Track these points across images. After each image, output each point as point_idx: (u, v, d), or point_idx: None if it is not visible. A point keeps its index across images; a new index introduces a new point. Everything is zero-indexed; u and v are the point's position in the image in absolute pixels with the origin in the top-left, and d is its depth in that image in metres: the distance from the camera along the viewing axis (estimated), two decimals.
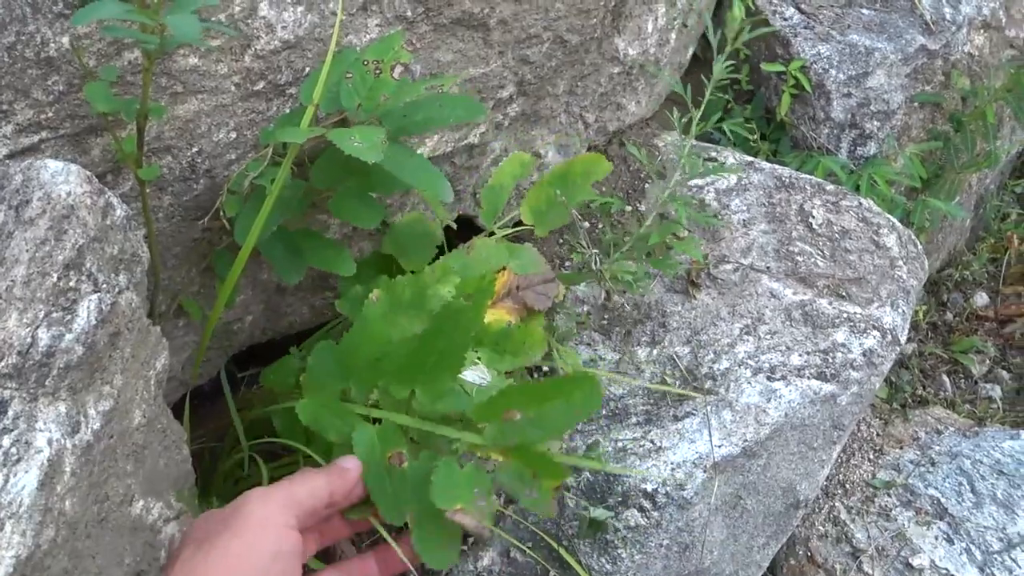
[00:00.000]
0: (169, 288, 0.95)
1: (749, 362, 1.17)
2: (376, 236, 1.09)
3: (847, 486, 1.52)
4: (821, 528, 1.47)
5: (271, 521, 0.69)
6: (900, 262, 1.34)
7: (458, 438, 0.85)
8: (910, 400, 1.72)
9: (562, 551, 1.01)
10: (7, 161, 0.80)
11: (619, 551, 1.03)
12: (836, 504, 1.49)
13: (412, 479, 0.82)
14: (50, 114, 0.80)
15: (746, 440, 1.10)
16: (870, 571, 1.41)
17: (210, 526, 0.69)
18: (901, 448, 1.57)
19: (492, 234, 1.05)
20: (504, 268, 0.99)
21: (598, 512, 1.02)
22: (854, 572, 1.42)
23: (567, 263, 1.23)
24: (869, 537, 1.44)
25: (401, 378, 0.86)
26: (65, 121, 0.81)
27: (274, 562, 0.67)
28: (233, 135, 0.88)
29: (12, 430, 0.64)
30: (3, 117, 0.79)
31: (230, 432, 1.04)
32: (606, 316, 1.20)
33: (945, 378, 1.94)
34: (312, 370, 0.90)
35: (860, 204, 1.40)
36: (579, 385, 0.82)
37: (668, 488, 1.04)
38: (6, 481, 0.62)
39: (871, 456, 1.56)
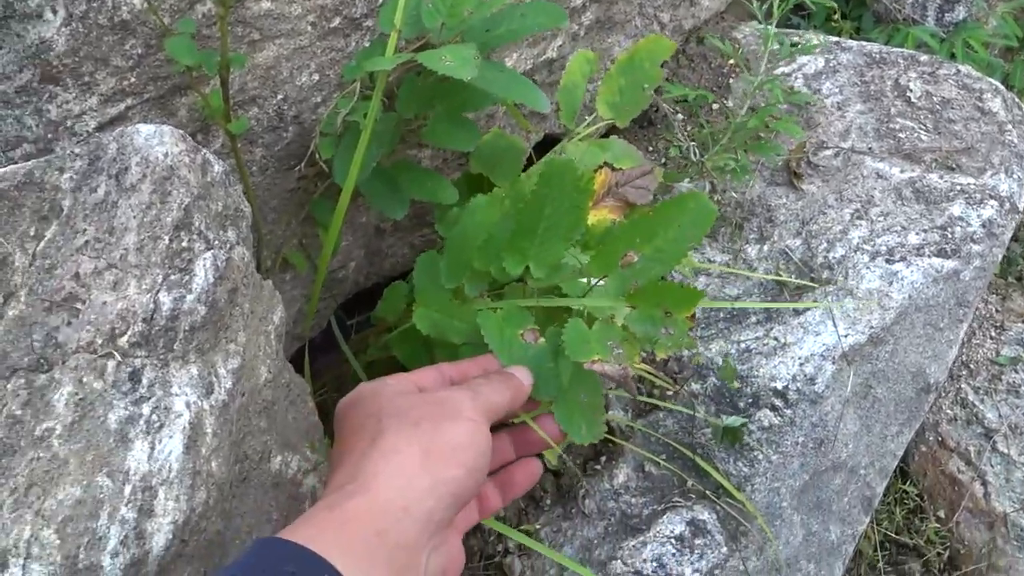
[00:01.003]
0: (271, 243, 0.94)
1: (865, 247, 1.12)
2: (466, 166, 1.07)
3: (971, 366, 1.46)
4: (949, 412, 1.43)
5: (479, 420, 0.68)
6: (1009, 126, 1.27)
7: (580, 307, 0.82)
8: None
9: (698, 460, 0.99)
10: (97, 134, 0.80)
11: (755, 453, 1.00)
12: (962, 386, 1.45)
13: (548, 353, 0.80)
14: (132, 79, 0.79)
15: (872, 327, 1.06)
16: (1005, 450, 1.37)
17: (421, 409, 0.68)
18: (1023, 322, 1.51)
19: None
20: (600, 168, 0.96)
21: (731, 420, 0.99)
22: (989, 452, 1.38)
23: (665, 161, 1.19)
24: (1000, 416, 1.40)
25: (513, 253, 0.82)
26: (148, 85, 0.80)
27: (485, 451, 0.66)
28: (316, 77, 0.87)
29: (149, 398, 0.63)
30: (87, 89, 0.78)
31: (350, 378, 1.04)
32: None
33: None
34: (420, 280, 0.88)
35: (958, 71, 1.33)
36: (686, 206, 0.79)
37: (798, 384, 1.01)
38: (152, 448, 0.62)
39: (992, 333, 1.51)
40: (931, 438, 1.42)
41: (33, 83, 0.76)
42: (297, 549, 0.54)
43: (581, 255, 0.86)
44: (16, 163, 0.71)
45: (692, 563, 0.97)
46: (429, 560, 0.61)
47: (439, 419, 0.67)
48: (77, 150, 0.71)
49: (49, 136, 0.78)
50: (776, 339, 1.04)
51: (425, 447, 0.64)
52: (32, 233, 0.67)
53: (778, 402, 1.01)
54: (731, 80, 1.33)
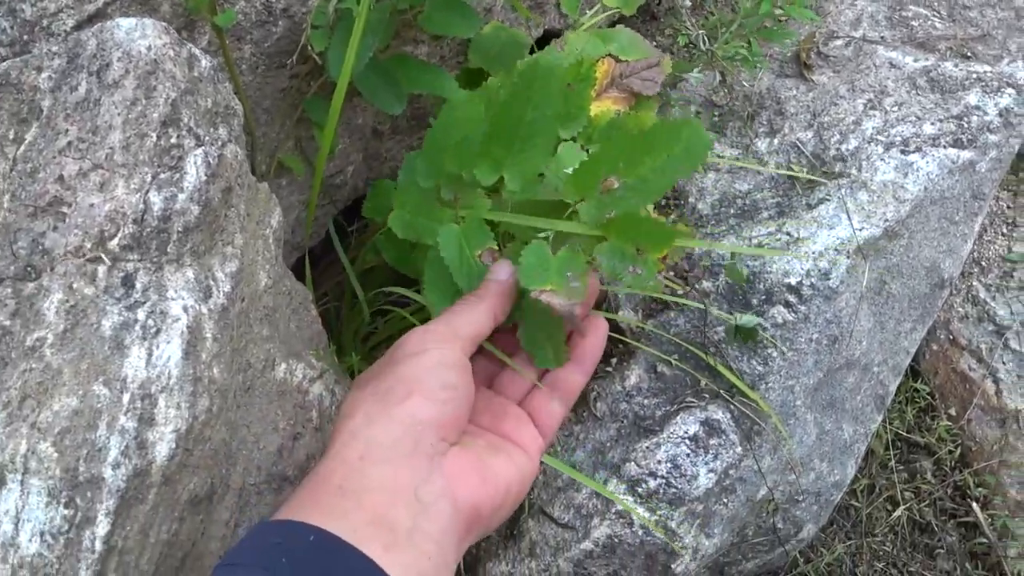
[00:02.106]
0: (265, 147, 0.90)
1: (879, 138, 1.09)
2: (465, 63, 1.02)
3: (983, 263, 1.44)
4: (961, 309, 1.41)
5: (431, 348, 0.64)
6: None
7: (550, 228, 0.76)
8: None
9: (710, 359, 0.97)
10: (75, 33, 0.75)
11: (769, 351, 0.98)
12: (973, 283, 1.42)
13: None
14: None
15: (887, 220, 1.03)
16: (1017, 347, 1.35)
17: (371, 369, 0.65)
18: None
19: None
20: (603, 58, 0.91)
21: (745, 319, 0.96)
22: (1000, 350, 1.36)
23: (672, 51, 1.14)
24: (1012, 313, 1.38)
25: (486, 160, 0.76)
26: None
27: (439, 371, 0.63)
28: None
29: (144, 303, 0.60)
30: None
31: (349, 287, 1.01)
32: (716, 112, 1.12)
33: None
34: (402, 180, 0.83)
35: None
36: (679, 133, 0.73)
37: (812, 279, 0.99)
38: (150, 355, 0.59)
39: (1004, 230, 1.48)
40: (942, 336, 1.40)
41: None
42: (278, 524, 0.54)
43: (562, 168, 0.80)
44: None
45: (707, 463, 0.95)
46: (420, 492, 0.58)
47: (384, 368, 0.64)
48: (55, 48, 0.67)
49: (24, 38, 0.74)
50: (789, 234, 1.01)
51: (371, 399, 0.61)
52: (11, 136, 0.63)
53: (792, 298, 0.99)
54: None
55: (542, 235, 0.75)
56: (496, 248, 0.76)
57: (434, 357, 0.63)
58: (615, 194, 0.73)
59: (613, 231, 0.75)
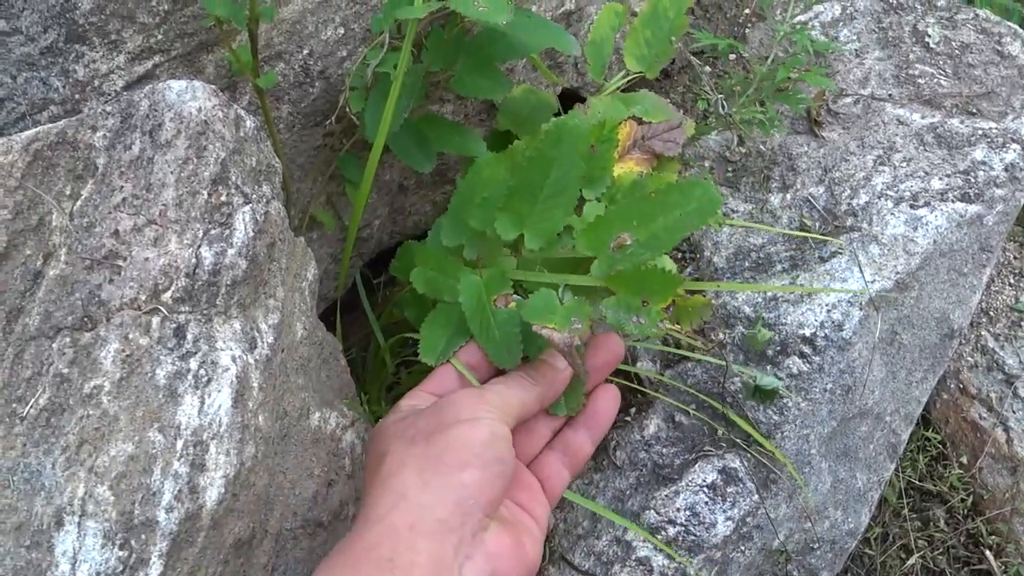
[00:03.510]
0: (298, 201, 0.94)
1: (889, 192, 1.12)
2: (487, 122, 1.06)
3: (991, 313, 1.46)
4: (970, 359, 1.43)
5: (484, 416, 0.65)
6: None
7: (562, 281, 0.78)
8: None
9: (728, 411, 1.00)
10: (125, 93, 0.79)
11: (785, 401, 1.00)
12: (982, 333, 1.45)
13: (515, 319, 0.77)
14: (159, 36, 0.78)
15: (898, 272, 1.06)
16: None
17: (417, 425, 0.66)
18: None
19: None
20: (625, 121, 0.95)
21: (766, 380, 0.99)
22: (1010, 399, 1.38)
23: (686, 111, 1.18)
24: (1021, 361, 1.40)
25: (508, 215, 0.78)
26: (175, 41, 0.79)
27: (494, 443, 0.64)
28: (341, 31, 0.86)
29: (195, 352, 0.63)
30: (114, 48, 0.77)
31: (375, 339, 1.04)
32: (730, 168, 1.16)
33: None
34: (430, 241, 0.86)
35: (976, 15, 1.32)
36: (692, 193, 0.75)
37: (826, 331, 1.01)
38: (202, 403, 0.62)
39: (1011, 280, 1.51)
40: (952, 385, 1.42)
41: (59, 43, 0.76)
42: None
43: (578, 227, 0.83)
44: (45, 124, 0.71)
45: (725, 511, 0.97)
46: (464, 570, 0.59)
47: (434, 430, 0.65)
48: (109, 108, 0.70)
49: (76, 97, 0.78)
50: (803, 286, 1.04)
51: (421, 461, 0.62)
52: (68, 192, 0.66)
53: (806, 349, 1.01)
54: (747, 30, 1.31)
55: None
56: (511, 293, 0.79)
57: (487, 428, 0.64)
58: (627, 251, 0.76)
59: (621, 284, 0.78)
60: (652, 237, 0.75)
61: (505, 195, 0.78)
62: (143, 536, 0.57)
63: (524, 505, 0.71)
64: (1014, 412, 1.36)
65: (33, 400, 0.59)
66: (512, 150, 0.89)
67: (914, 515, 1.35)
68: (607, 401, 0.79)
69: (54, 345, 0.61)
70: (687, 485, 0.98)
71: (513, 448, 0.67)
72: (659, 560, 0.96)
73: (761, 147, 1.15)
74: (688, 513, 0.97)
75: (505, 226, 0.79)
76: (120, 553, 0.56)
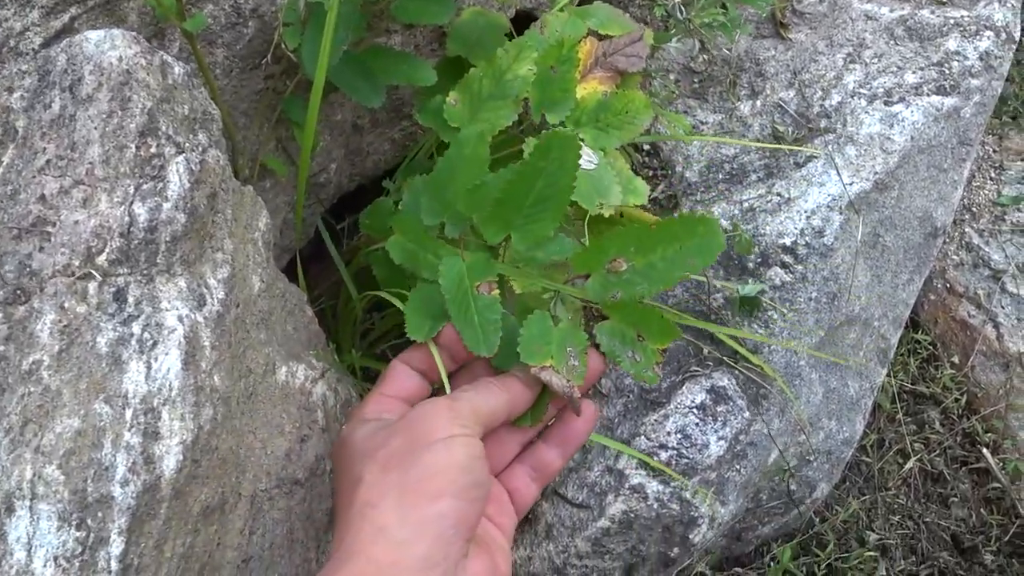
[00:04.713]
0: (245, 150, 0.89)
1: (862, 91, 1.08)
2: (439, 52, 1.01)
3: (974, 209, 1.44)
4: (955, 257, 1.40)
5: (457, 433, 0.64)
6: None
7: (555, 289, 0.78)
8: (1020, 110, 1.61)
9: (712, 327, 0.97)
10: (44, 50, 0.74)
11: (769, 313, 0.98)
12: (966, 230, 1.42)
13: (495, 307, 0.76)
14: None
15: (876, 172, 1.03)
16: (1014, 289, 1.35)
17: (390, 445, 0.64)
18: (1022, 160, 1.48)
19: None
20: (584, 38, 0.91)
21: (748, 288, 0.96)
22: (998, 294, 1.36)
23: (647, 23, 1.13)
24: (1007, 256, 1.37)
25: (494, 220, 0.77)
26: None
27: (471, 467, 0.63)
28: None
29: (137, 316, 0.60)
30: (27, 3, 0.72)
31: (344, 287, 1.00)
32: (696, 79, 1.12)
33: None
34: (406, 207, 0.84)
35: None
36: (695, 229, 0.74)
37: (807, 238, 0.98)
38: (149, 368, 0.58)
39: (992, 174, 1.48)
40: (939, 285, 1.40)
41: None
42: None
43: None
44: None
45: (716, 431, 0.95)
46: None
47: (409, 451, 0.63)
48: (24, 67, 0.66)
49: None
50: (779, 194, 1.01)
51: (398, 490, 0.60)
52: None
53: (788, 259, 0.98)
54: None
55: (545, 295, 0.76)
56: (496, 282, 0.77)
57: (463, 450, 0.63)
58: (623, 275, 0.74)
59: (617, 312, 0.76)
60: (650, 267, 0.75)
61: (493, 204, 0.76)
62: (99, 514, 0.54)
63: (493, 518, 0.72)
64: (1003, 308, 1.34)
65: None
66: (467, 81, 0.85)
67: (909, 419, 1.34)
68: (583, 420, 0.79)
69: None
70: (676, 408, 0.96)
71: (488, 465, 0.66)
72: (654, 486, 0.94)
73: (727, 54, 1.11)
74: (679, 436, 0.95)
75: (491, 231, 0.78)
76: (77, 534, 0.53)
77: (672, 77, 1.11)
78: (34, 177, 0.61)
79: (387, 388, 0.74)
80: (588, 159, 0.85)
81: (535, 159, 0.73)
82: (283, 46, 0.78)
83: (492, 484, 0.72)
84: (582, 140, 0.84)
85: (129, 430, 0.56)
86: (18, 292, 0.58)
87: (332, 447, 0.72)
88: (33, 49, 0.74)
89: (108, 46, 0.65)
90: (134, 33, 0.67)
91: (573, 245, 0.78)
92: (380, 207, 0.94)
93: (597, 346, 0.80)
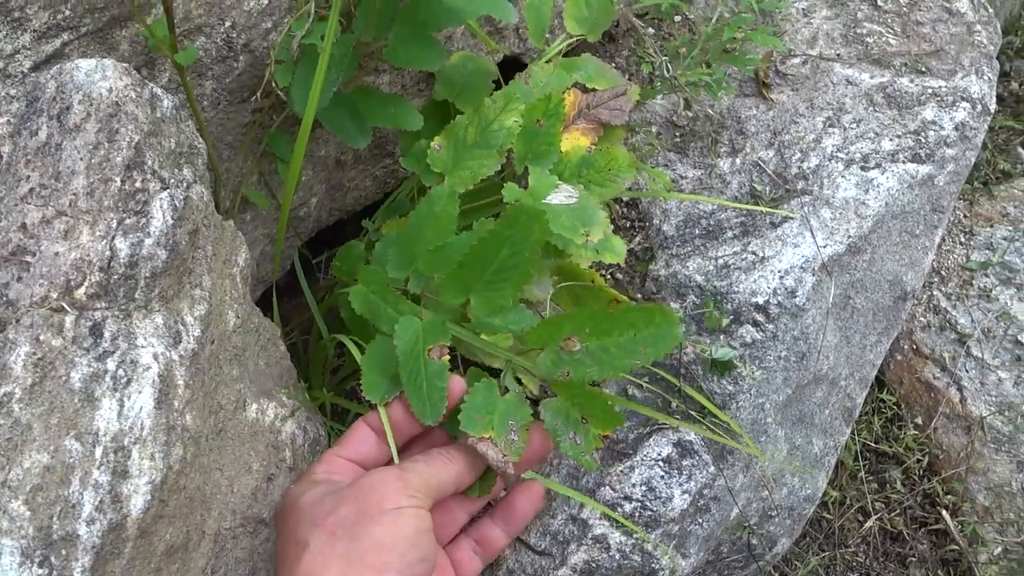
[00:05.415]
0: (228, 182, 0.89)
1: (839, 155, 1.10)
2: (426, 92, 1.02)
3: (942, 273, 1.46)
4: (923, 319, 1.42)
5: (406, 505, 0.64)
6: (977, 27, 1.25)
7: (507, 358, 0.79)
8: (991, 176, 1.64)
9: (682, 384, 0.97)
10: (33, 74, 0.74)
11: (739, 370, 0.98)
12: (934, 292, 1.44)
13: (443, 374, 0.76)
14: (67, 12, 0.73)
15: (850, 236, 1.04)
16: (979, 354, 1.37)
17: (339, 512, 0.64)
18: (992, 226, 1.51)
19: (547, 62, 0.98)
20: (569, 89, 0.92)
21: (721, 351, 0.97)
22: (963, 358, 1.38)
23: (631, 75, 1.15)
24: (973, 321, 1.40)
25: (455, 282, 0.78)
26: (85, 17, 0.74)
27: (418, 541, 0.63)
28: (265, 1, 0.81)
29: (113, 352, 0.59)
30: (18, 26, 0.72)
31: (316, 323, 1.00)
32: (678, 133, 1.13)
33: (1021, 150, 1.85)
34: (375, 258, 0.85)
35: None
36: (652, 318, 0.75)
37: (779, 297, 0.99)
38: (121, 406, 0.58)
39: (962, 239, 1.50)
40: (906, 346, 1.41)
41: None
42: None
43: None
44: None
45: (681, 484, 0.95)
46: None
47: (357, 521, 0.63)
48: (12, 92, 0.66)
49: None
50: (754, 253, 1.02)
51: (344, 560, 0.61)
52: None
53: (759, 317, 0.99)
54: None
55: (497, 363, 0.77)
56: (448, 346, 0.77)
57: (411, 522, 0.63)
58: (575, 355, 0.75)
59: (564, 391, 0.77)
60: (602, 350, 0.76)
61: (456, 267, 0.77)
62: (63, 552, 0.53)
63: None
64: (967, 371, 1.36)
65: None
66: (453, 128, 0.86)
67: (871, 477, 1.35)
68: (528, 500, 0.79)
69: None
70: (642, 460, 0.96)
71: (434, 539, 0.66)
72: (616, 537, 0.94)
73: (709, 111, 1.13)
74: (644, 488, 0.95)
75: (451, 292, 0.79)
76: (40, 571, 0.53)
77: (654, 130, 1.12)
78: (16, 205, 0.61)
79: (343, 450, 0.74)
80: (569, 195, 0.86)
81: (502, 227, 0.74)
82: (273, 83, 0.78)
83: (438, 555, 0.73)
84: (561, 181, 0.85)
85: (98, 468, 0.55)
86: None
87: (277, 507, 0.71)
88: (22, 72, 0.73)
89: (99, 76, 0.65)
90: (125, 65, 0.67)
91: (531, 317, 0.79)
92: (351, 251, 0.95)
93: None
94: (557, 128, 0.80)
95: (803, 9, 1.25)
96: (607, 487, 0.96)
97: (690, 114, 1.10)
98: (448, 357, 0.77)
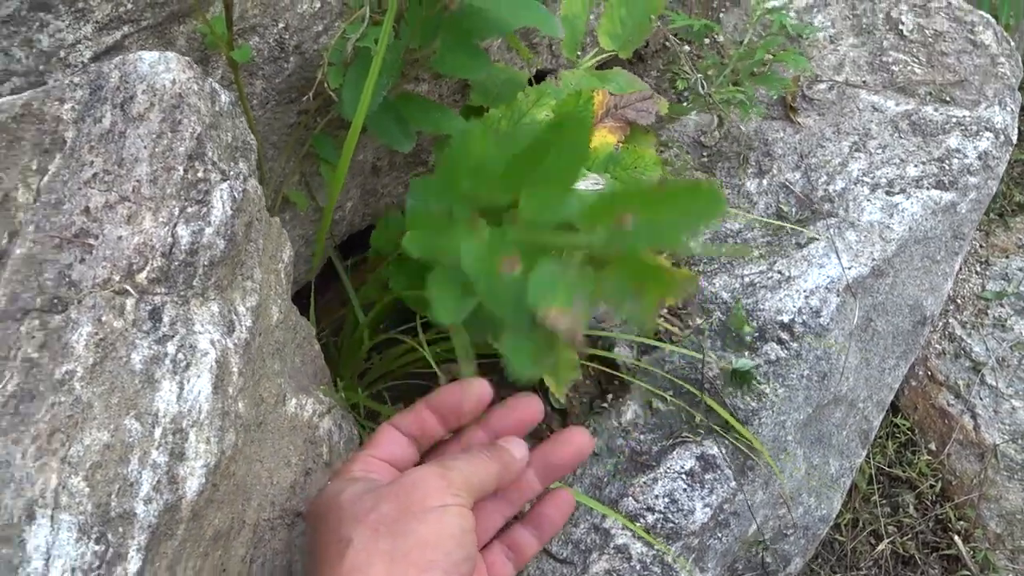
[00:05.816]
0: (271, 181, 0.91)
1: (865, 179, 1.12)
2: (460, 103, 1.04)
3: (958, 301, 1.48)
4: (938, 346, 1.44)
5: (451, 503, 0.64)
6: (1001, 59, 1.27)
7: (561, 244, 0.78)
8: (1007, 208, 1.66)
9: (705, 397, 0.99)
10: (93, 64, 0.76)
11: (762, 387, 1.00)
12: (950, 320, 1.46)
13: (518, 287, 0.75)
14: (129, 5, 0.75)
15: (874, 258, 1.06)
16: (993, 382, 1.38)
17: (380, 509, 0.64)
18: (1007, 257, 1.52)
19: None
20: (599, 90, 0.93)
21: (741, 363, 0.98)
22: (978, 386, 1.39)
23: (661, 94, 1.17)
24: (987, 349, 1.41)
25: (501, 188, 0.75)
26: (146, 11, 0.75)
27: (463, 540, 0.63)
28: (317, 4, 0.83)
29: (172, 336, 0.60)
30: (81, 17, 0.74)
31: (348, 322, 1.02)
32: (705, 153, 1.15)
33: None
34: (411, 206, 0.84)
35: (949, 4, 1.32)
36: (700, 193, 0.75)
37: (804, 317, 1.01)
38: (181, 389, 0.59)
39: (978, 268, 1.52)
40: (921, 372, 1.43)
41: (22, 11, 0.72)
42: None
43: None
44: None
45: (703, 497, 0.96)
46: None
47: (399, 518, 0.63)
48: (77, 79, 0.67)
49: (40, 68, 0.74)
50: (780, 272, 1.03)
51: (389, 558, 0.60)
52: (34, 167, 0.63)
53: (784, 335, 1.01)
54: (722, 14, 1.30)
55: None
56: (516, 256, 0.76)
57: (456, 521, 0.63)
58: (627, 231, 0.74)
59: (619, 264, 0.76)
60: (654, 223, 0.74)
61: (502, 172, 0.75)
62: (121, 529, 0.54)
63: None
64: (981, 399, 1.37)
65: (0, 386, 0.56)
66: (487, 117, 0.87)
67: (884, 501, 1.36)
68: (558, 508, 0.79)
69: (22, 328, 0.58)
70: (665, 472, 0.97)
71: (476, 539, 0.66)
72: (637, 547, 0.95)
73: (738, 131, 1.14)
74: (667, 500, 0.96)
75: (502, 195, 0.77)
76: (96, 547, 0.54)
77: (684, 149, 1.14)
78: (79, 189, 0.62)
79: (375, 450, 0.74)
80: (595, 181, 0.86)
81: (546, 133, 0.74)
82: (325, 85, 0.80)
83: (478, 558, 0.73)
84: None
85: (157, 448, 0.56)
86: (55, 301, 0.59)
87: (311, 504, 0.72)
88: (82, 62, 0.75)
89: (162, 68, 0.67)
90: (188, 59, 0.68)
91: (581, 202, 0.78)
92: (389, 219, 0.95)
93: (536, 390, 0.80)
94: (587, 123, 0.81)
95: (830, 36, 1.27)
96: (630, 498, 0.96)
97: (719, 134, 1.11)
98: (520, 267, 0.76)
